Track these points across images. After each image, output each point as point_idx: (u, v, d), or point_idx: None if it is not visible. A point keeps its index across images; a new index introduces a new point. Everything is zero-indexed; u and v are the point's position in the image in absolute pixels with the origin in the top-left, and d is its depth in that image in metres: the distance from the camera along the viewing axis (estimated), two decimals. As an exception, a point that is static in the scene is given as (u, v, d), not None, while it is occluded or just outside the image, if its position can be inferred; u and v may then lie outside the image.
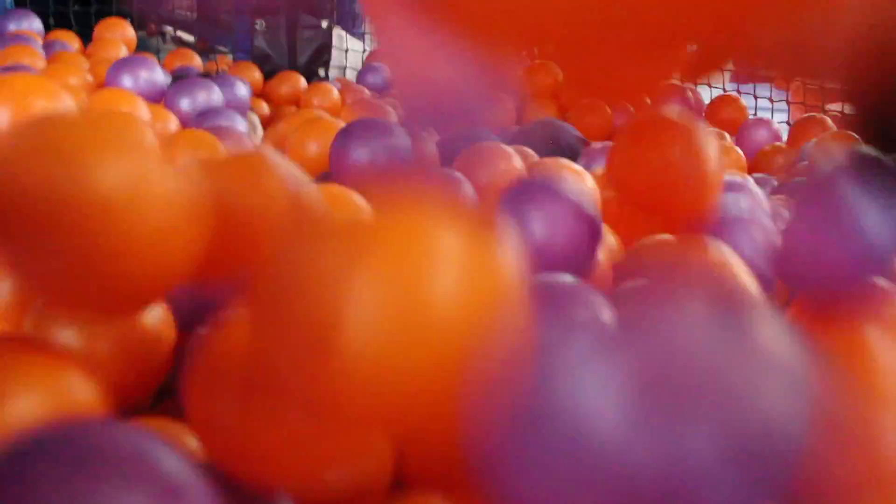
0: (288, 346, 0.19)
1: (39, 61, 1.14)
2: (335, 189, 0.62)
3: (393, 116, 0.84)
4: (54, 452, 0.18)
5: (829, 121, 1.20)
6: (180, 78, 1.15)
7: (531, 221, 0.56)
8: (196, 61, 1.53)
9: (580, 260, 0.56)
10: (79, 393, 0.25)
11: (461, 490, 0.28)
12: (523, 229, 0.57)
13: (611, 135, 1.28)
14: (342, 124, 0.68)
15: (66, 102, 0.61)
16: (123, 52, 1.34)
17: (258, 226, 0.27)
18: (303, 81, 1.54)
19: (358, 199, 0.61)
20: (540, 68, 1.44)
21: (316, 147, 0.73)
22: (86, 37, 1.44)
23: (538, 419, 0.18)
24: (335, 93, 1.47)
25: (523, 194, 0.60)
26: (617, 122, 1.24)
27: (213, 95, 1.10)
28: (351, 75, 1.74)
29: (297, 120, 0.55)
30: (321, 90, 1.47)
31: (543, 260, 0.58)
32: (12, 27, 1.36)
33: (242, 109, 1.25)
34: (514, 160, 0.75)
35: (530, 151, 0.88)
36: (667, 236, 0.55)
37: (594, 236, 0.57)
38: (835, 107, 1.36)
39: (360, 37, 2.16)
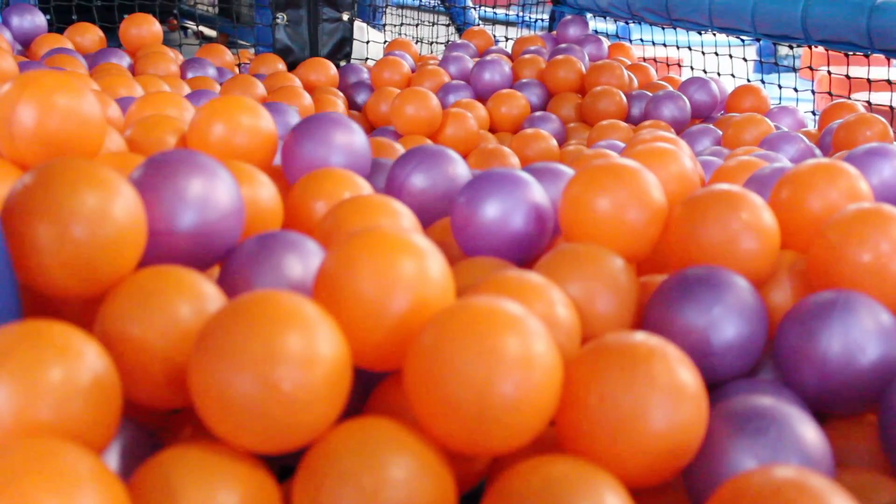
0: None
1: (81, 70, 1.14)
2: (377, 199, 0.59)
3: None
4: None
5: (858, 105, 1.18)
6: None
7: (488, 206, 0.61)
8: (227, 56, 1.54)
9: (531, 240, 0.61)
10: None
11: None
12: (482, 213, 0.61)
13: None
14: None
15: (90, 100, 0.61)
16: (173, 69, 1.32)
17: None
18: (328, 70, 1.53)
19: (398, 207, 0.59)
20: (562, 63, 1.43)
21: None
22: (108, 31, 1.45)
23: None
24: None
25: (483, 183, 0.62)
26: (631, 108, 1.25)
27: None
28: (372, 66, 1.74)
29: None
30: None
31: (498, 240, 0.60)
32: (15, 21, 1.36)
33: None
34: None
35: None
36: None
37: (542, 222, 0.61)
38: (860, 96, 1.34)
39: (381, 28, 2.16)
